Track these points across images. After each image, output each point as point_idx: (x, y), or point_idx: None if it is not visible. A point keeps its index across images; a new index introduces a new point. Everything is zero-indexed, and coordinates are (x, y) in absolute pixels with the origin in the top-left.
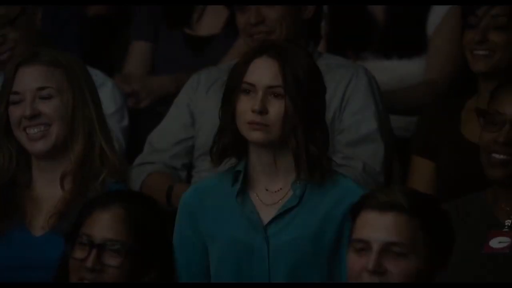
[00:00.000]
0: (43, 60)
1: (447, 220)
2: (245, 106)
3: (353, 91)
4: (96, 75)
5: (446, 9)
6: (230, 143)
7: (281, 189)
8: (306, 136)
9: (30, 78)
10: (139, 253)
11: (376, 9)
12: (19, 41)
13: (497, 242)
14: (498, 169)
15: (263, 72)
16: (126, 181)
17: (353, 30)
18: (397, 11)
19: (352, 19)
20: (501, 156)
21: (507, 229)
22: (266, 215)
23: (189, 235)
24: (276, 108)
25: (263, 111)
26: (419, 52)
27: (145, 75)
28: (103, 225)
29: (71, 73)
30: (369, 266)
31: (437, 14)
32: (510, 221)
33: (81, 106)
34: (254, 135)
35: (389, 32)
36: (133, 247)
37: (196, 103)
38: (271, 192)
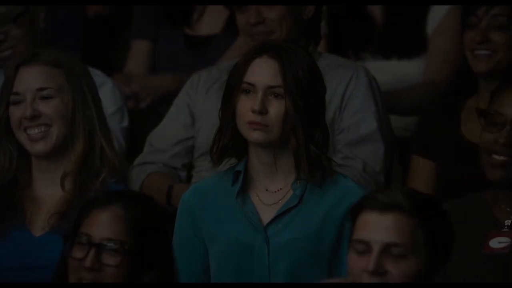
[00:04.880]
0: (43, 61)
1: (447, 220)
2: (245, 106)
3: (353, 91)
4: (97, 75)
5: (446, 9)
6: (230, 143)
7: (281, 189)
8: (306, 136)
9: (30, 79)
10: (138, 253)
11: (375, 9)
12: (21, 39)
13: (496, 242)
14: (498, 170)
15: (263, 72)
16: (126, 181)
17: (353, 30)
18: (396, 11)
19: (351, 19)
20: (501, 157)
21: (506, 229)
22: (266, 215)
23: (189, 234)
24: (276, 108)
25: (263, 111)
26: (418, 52)
27: (146, 74)
28: (102, 225)
29: (71, 73)
30: (369, 267)
31: (436, 14)
32: (509, 221)
33: (82, 106)
34: (254, 135)
35: (389, 32)
36: (132, 246)
37: (196, 103)
38: (271, 192)
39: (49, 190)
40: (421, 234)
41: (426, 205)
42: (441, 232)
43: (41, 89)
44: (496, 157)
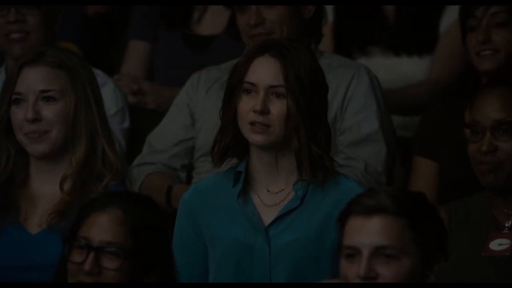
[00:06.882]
0: (47, 61)
1: (436, 216)
2: (247, 106)
3: (354, 91)
4: (98, 75)
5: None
6: (231, 143)
7: (282, 190)
8: (309, 136)
9: (34, 80)
10: (138, 255)
11: (388, 5)
12: (36, 28)
13: (497, 244)
14: (488, 177)
15: (264, 72)
16: (126, 182)
17: (362, 24)
18: (409, 9)
19: (361, 12)
20: (486, 166)
21: (507, 231)
22: (268, 216)
23: (190, 234)
24: (278, 108)
25: (265, 111)
26: (430, 50)
27: (157, 86)
28: (101, 228)
29: (75, 75)
30: (360, 272)
31: (450, 14)
32: (510, 222)
33: (84, 109)
34: (256, 138)
35: (401, 28)
36: (131, 249)
37: (196, 103)
38: (272, 193)
39: (46, 189)
40: (410, 233)
41: (412, 204)
42: (431, 229)
43: (44, 91)
44: (482, 166)
